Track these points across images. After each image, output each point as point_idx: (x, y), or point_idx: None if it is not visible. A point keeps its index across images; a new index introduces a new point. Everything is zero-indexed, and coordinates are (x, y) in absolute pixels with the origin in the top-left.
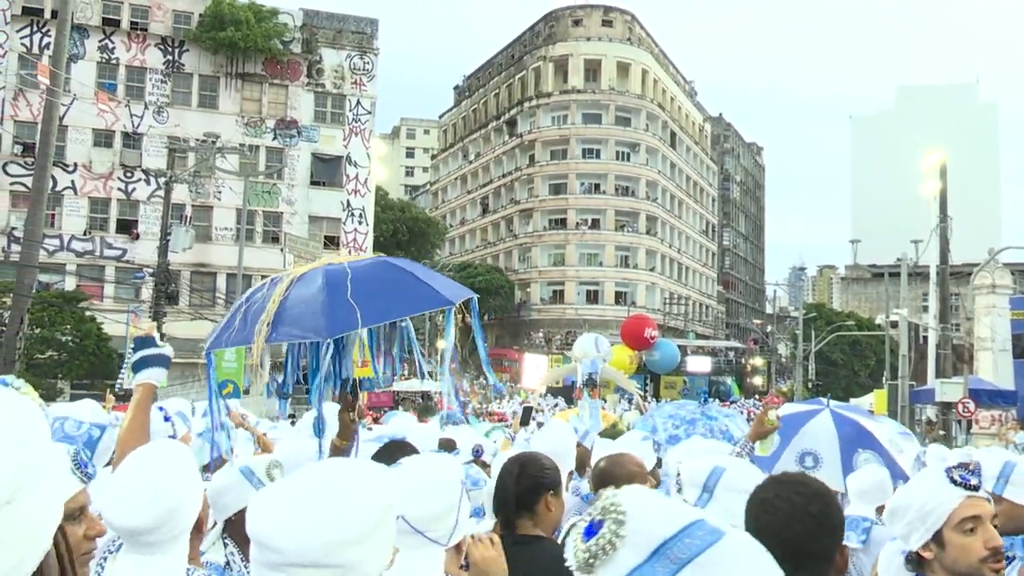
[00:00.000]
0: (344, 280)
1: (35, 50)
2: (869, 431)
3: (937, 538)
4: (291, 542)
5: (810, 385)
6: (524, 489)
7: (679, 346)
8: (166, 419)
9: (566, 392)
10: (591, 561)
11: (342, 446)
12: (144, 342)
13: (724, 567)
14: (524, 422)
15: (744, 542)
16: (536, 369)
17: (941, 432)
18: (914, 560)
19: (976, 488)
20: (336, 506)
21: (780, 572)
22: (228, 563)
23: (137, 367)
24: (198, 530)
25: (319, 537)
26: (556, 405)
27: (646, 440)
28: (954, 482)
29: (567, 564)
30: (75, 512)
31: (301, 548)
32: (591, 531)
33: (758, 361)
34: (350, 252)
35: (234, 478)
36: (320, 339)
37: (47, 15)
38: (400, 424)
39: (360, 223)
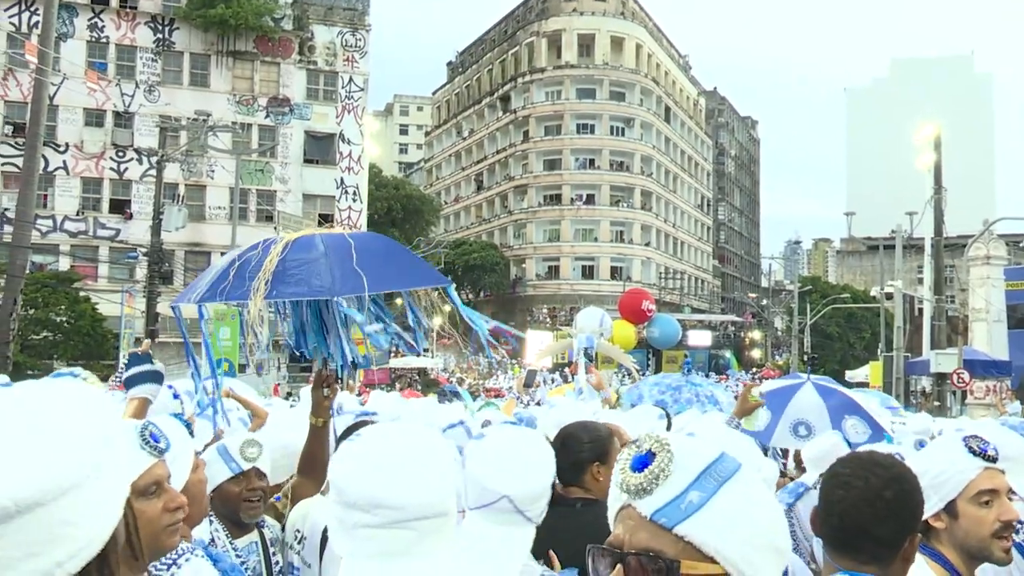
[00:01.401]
0: (348, 248)
1: (24, 29)
2: (852, 398)
3: (950, 508)
4: (413, 498)
5: (805, 358)
6: (567, 465)
7: (679, 321)
8: (175, 396)
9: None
10: (652, 484)
11: (318, 424)
12: (138, 359)
13: (749, 485)
14: (528, 383)
15: (751, 470)
16: (540, 346)
17: (936, 403)
18: (920, 529)
19: (994, 460)
20: (436, 461)
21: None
22: (212, 540)
23: (130, 383)
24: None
25: (435, 490)
26: (554, 380)
27: (661, 418)
28: (973, 452)
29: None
30: (150, 487)
31: (422, 503)
32: (644, 463)
33: (756, 335)
34: (344, 230)
35: (210, 456)
36: (328, 297)
37: None
38: (384, 402)
39: (354, 201)
